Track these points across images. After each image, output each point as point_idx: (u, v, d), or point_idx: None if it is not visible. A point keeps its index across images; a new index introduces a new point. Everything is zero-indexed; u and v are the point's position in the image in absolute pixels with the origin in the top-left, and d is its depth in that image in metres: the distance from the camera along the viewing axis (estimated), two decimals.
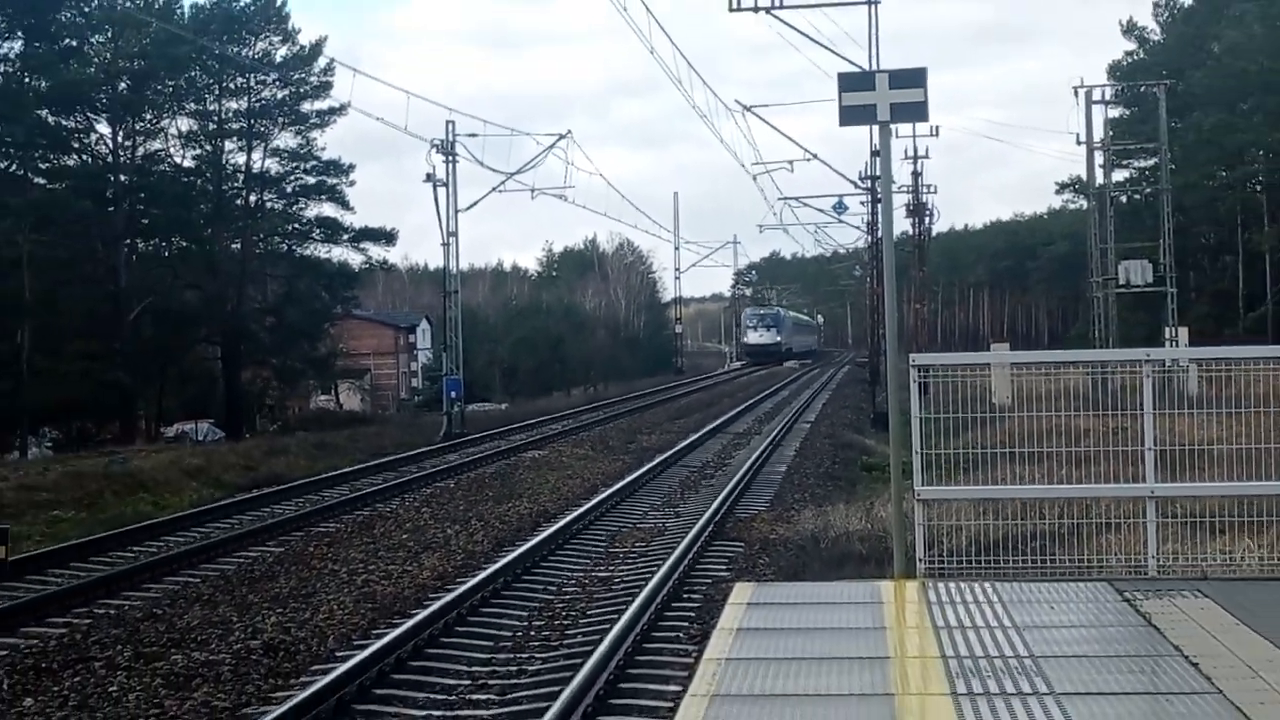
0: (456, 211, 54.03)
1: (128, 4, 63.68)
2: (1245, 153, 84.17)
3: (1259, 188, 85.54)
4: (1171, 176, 64.36)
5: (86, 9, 63.51)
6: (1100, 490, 13.88)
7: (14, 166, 61.49)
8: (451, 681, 14.08)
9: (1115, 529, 14.17)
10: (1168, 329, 53.96)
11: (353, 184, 71.26)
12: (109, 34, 64.05)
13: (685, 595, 17.83)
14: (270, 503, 29.53)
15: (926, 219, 74.57)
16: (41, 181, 62.20)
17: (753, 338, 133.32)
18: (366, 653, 14.33)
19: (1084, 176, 65.42)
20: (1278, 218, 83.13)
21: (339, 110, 68.34)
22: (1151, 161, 71.78)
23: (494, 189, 58.19)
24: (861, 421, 51.05)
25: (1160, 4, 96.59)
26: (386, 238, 74.29)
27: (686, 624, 16.03)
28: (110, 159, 65.28)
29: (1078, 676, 9.47)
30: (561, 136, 62.08)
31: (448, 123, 53.67)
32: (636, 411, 62.03)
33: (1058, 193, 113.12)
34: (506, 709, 12.90)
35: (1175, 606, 11.62)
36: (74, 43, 63.19)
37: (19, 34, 60.95)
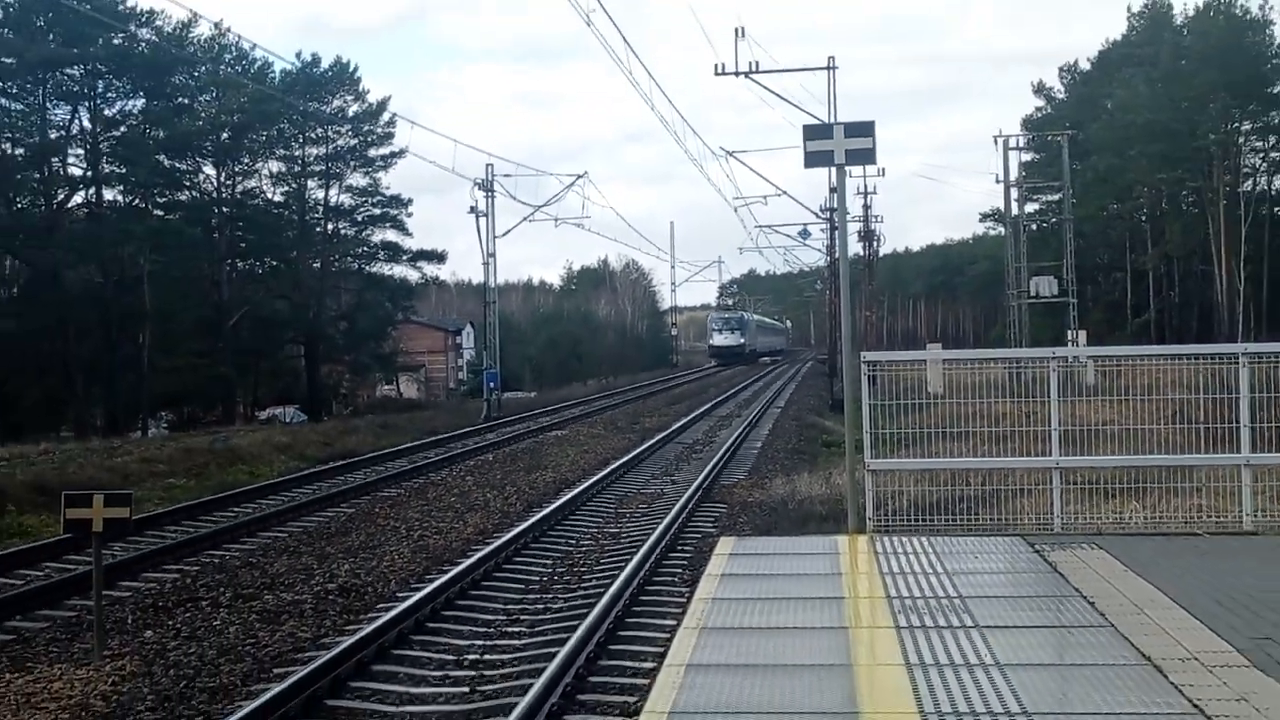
0: (494, 237, 54.04)
1: (229, 69, 63.73)
2: (1132, 190, 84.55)
3: (1143, 218, 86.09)
4: (1072, 209, 64.52)
5: (195, 74, 63.67)
6: (1015, 462, 13.86)
7: (137, 201, 61.73)
8: (490, 617, 14.08)
9: (1027, 494, 14.16)
10: (1070, 332, 54.01)
11: (410, 214, 71.61)
12: (214, 93, 64.21)
13: (679, 547, 17.82)
14: (343, 473, 29.53)
15: (875, 243, 74.63)
16: (159, 213, 62.33)
17: (718, 340, 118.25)
18: (421, 593, 14.32)
19: (1002, 209, 65.53)
20: (1159, 242, 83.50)
21: (399, 155, 68.84)
22: (1056, 196, 71.89)
23: (524, 219, 58.19)
24: (822, 407, 50.95)
25: (1064, 69, 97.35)
26: (437, 258, 74.85)
27: (681, 570, 16.01)
28: (214, 195, 65.58)
29: (997, 613, 9.46)
30: (579, 176, 62.09)
31: (487, 165, 53.72)
32: (640, 399, 61.99)
33: (981, 221, 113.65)
34: (535, 638, 12.88)
35: (1076, 557, 11.61)
36: (185, 101, 63.33)
37: (140, 94, 61.13)
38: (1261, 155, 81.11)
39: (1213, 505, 13.63)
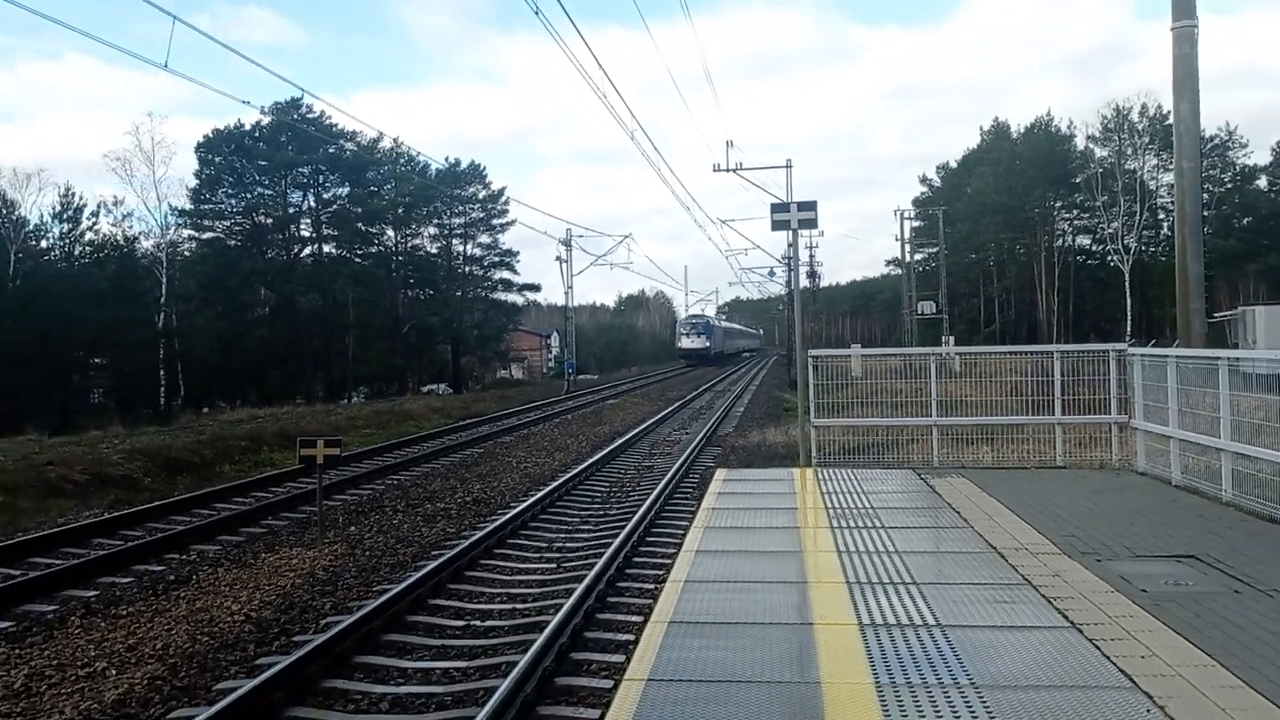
0: (571, 275, 54.09)
1: (402, 168, 64.03)
2: (984, 245, 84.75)
3: (991, 263, 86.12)
4: (945, 258, 64.25)
5: (381, 171, 63.99)
6: (907, 421, 13.82)
7: (344, 252, 62.08)
8: (568, 519, 14.09)
9: (915, 442, 14.11)
10: (944, 337, 53.65)
11: (518, 261, 72.01)
12: (393, 184, 64.45)
13: (690, 475, 17.81)
14: (475, 426, 29.63)
15: (817, 278, 73.78)
16: (358, 260, 62.60)
17: (685, 343, 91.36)
18: (525, 504, 14.35)
19: (899, 257, 65.20)
20: (1001, 279, 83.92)
21: (510, 223, 69.28)
22: (935, 249, 71.65)
23: (590, 264, 58.19)
24: (783, 385, 50.73)
25: (939, 166, 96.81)
26: (535, 289, 75.37)
27: (691, 489, 15.98)
28: (393, 249, 65.76)
29: (896, 519, 9.44)
30: (626, 237, 62.55)
31: (567, 229, 53.95)
32: (664, 380, 61.83)
33: (886, 265, 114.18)
34: (600, 531, 12.90)
35: (947, 482, 11.56)
36: (375, 188, 63.61)
37: (346, 184, 61.57)
38: (1068, 222, 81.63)
39: (1036, 450, 13.60)
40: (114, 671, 7.65)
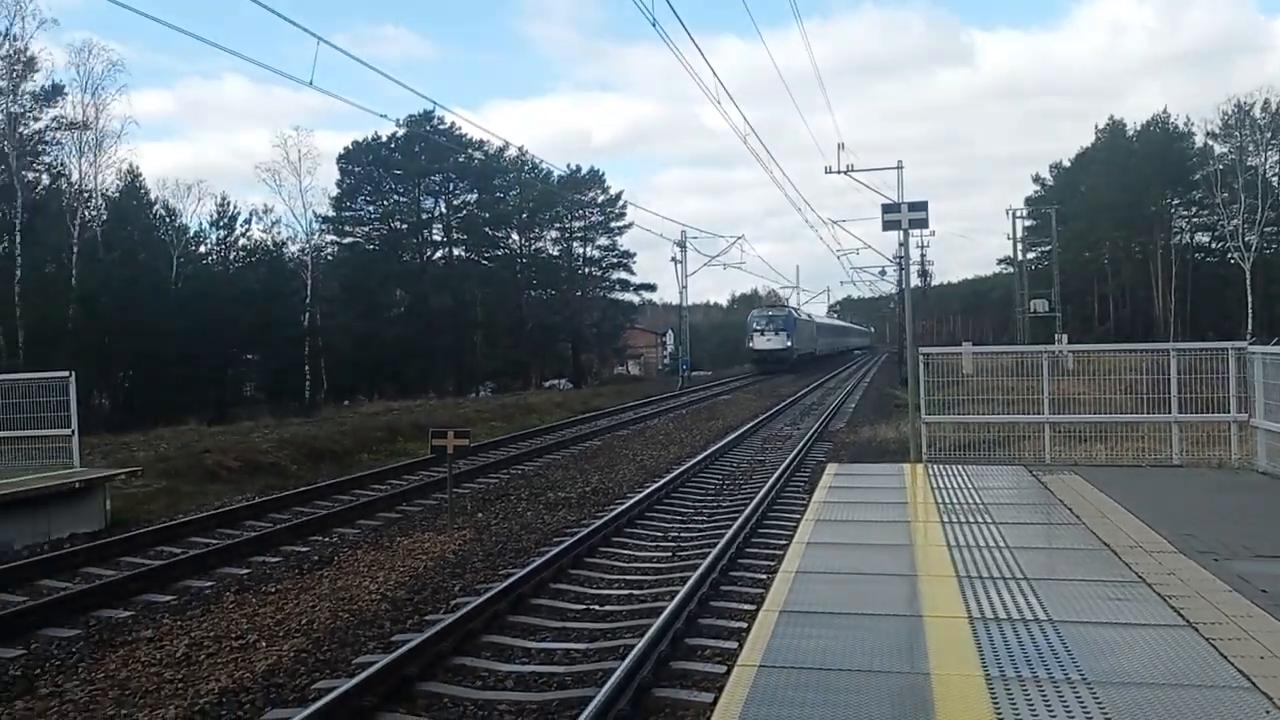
0: (686, 275, 54.08)
1: (527, 175, 64.99)
2: (1098, 244, 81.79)
3: (1106, 261, 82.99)
4: (1058, 256, 62.27)
5: (506, 178, 65.12)
6: (1019, 419, 13.43)
7: (472, 255, 63.36)
8: (682, 509, 14.11)
9: (1027, 439, 13.69)
10: (1057, 335, 51.97)
11: (635, 262, 72.36)
12: (518, 190, 65.51)
13: (802, 469, 17.66)
14: (593, 420, 29.91)
15: (928, 277, 72.36)
16: (485, 262, 63.82)
17: (759, 343, 65.39)
18: (641, 494, 14.44)
19: (1011, 256, 63.38)
20: (1116, 277, 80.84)
21: (628, 226, 69.75)
22: (1047, 248, 69.45)
23: (704, 264, 58.01)
24: (894, 382, 49.82)
25: (1052, 165, 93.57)
26: (651, 289, 75.63)
27: (803, 483, 15.86)
28: (518, 251, 66.87)
29: (1007, 515, 9.17)
30: (739, 237, 61.86)
31: (682, 231, 53.75)
32: (776, 377, 61.36)
33: (997, 264, 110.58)
34: (714, 522, 12.89)
35: (1059, 479, 11.19)
36: (501, 195, 64.80)
37: (475, 191, 62.88)
38: (1186, 220, 78.27)
39: (1152, 448, 13.04)
40: (264, 643, 7.97)
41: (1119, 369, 13.53)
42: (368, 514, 13.97)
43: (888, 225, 15.24)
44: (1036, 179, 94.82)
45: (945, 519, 8.96)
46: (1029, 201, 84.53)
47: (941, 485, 11.01)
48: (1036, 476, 11.52)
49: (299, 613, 8.84)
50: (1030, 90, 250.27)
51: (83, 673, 7.38)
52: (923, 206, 15.12)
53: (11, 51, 43.58)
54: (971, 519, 8.93)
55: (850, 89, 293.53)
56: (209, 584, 10.06)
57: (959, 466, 12.48)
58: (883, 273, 70.64)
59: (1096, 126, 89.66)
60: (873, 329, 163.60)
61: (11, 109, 44.30)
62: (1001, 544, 7.84)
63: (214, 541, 12.16)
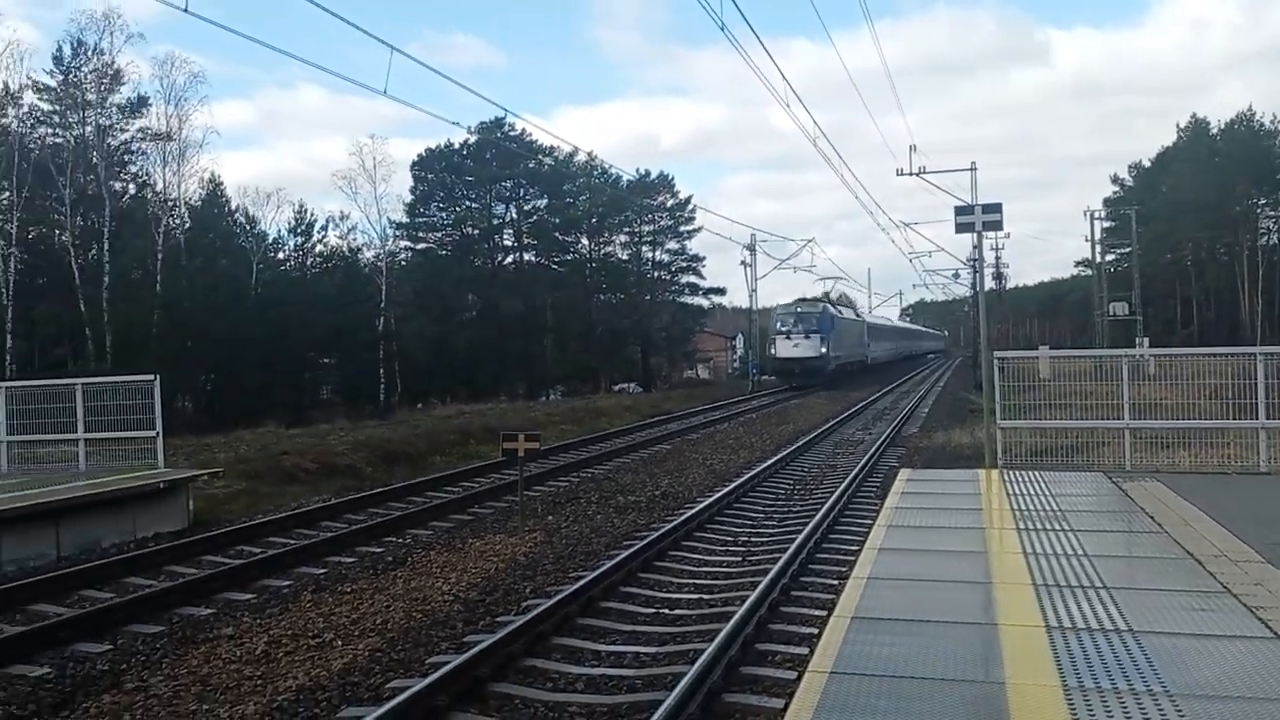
0: (755, 279, 53.93)
1: (596, 180, 65.29)
2: (1180, 245, 79.72)
3: (1189, 263, 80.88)
4: (1138, 258, 60.83)
5: (576, 184, 65.47)
6: (1098, 424, 13.13)
7: (542, 260, 63.86)
8: (752, 514, 14.05)
9: (1106, 445, 13.40)
10: (1137, 339, 50.71)
11: (704, 266, 71.94)
12: (587, 195, 65.84)
13: (874, 474, 17.46)
14: (663, 424, 29.90)
15: (1003, 280, 71.11)
16: (555, 267, 64.26)
17: (783, 348, 48.36)
18: (711, 499, 14.41)
19: (1090, 258, 61.91)
20: (1200, 279, 78.80)
21: (697, 230, 69.47)
22: (1127, 250, 67.80)
23: (774, 268, 57.94)
24: (968, 386, 49.00)
25: (1131, 165, 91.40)
26: (720, 292, 75.09)
27: (875, 488, 15.67)
28: (587, 256, 67.20)
29: (1085, 522, 8.97)
30: (809, 240, 61.56)
31: (751, 234, 53.58)
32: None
33: (1075, 266, 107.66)
34: (781, 528, 12.80)
35: (1140, 486, 10.92)
36: (570, 200, 65.19)
37: (545, 196, 63.36)
38: (1273, 220, 75.87)
39: (1238, 454, 12.67)
40: (340, 642, 8.12)
41: (1203, 374, 13.14)
42: (440, 516, 14.14)
43: (961, 228, 14.99)
44: (1115, 179, 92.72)
45: (1021, 525, 8.79)
46: (1108, 202, 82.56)
47: (1017, 491, 10.81)
48: (1116, 483, 11.24)
49: (373, 612, 8.99)
50: (1108, 88, 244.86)
51: (166, 668, 7.59)
52: (996, 208, 14.85)
53: (101, 65, 45.17)
54: (1048, 526, 8.75)
55: (921, 89, 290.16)
56: (287, 583, 10.28)
57: (1035, 472, 12.24)
58: (956, 276, 69.61)
59: (1178, 125, 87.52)
60: (946, 332, 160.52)
61: (100, 121, 45.92)
62: (1080, 552, 7.67)
63: (291, 541, 12.42)
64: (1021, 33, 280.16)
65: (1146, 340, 50.47)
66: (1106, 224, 67.08)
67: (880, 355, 66.33)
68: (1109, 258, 71.58)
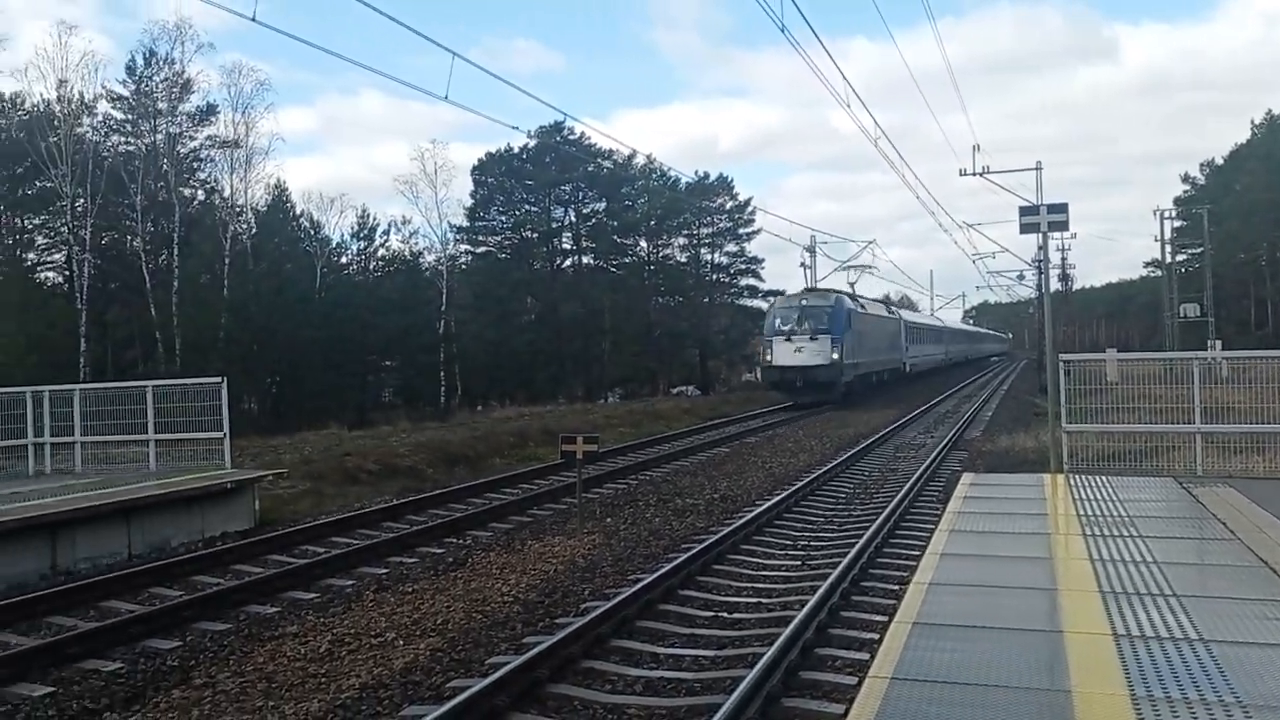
0: (816, 281, 53.39)
1: (655, 182, 65.30)
2: (1254, 244, 77.62)
3: (1263, 263, 78.71)
4: (1210, 258, 59.38)
5: (635, 186, 65.55)
6: (1168, 428, 12.82)
7: (601, 263, 64.02)
8: (812, 518, 13.94)
9: (1176, 449, 13.07)
10: (1209, 341, 49.47)
11: (763, 267, 71.50)
12: (645, 198, 65.85)
13: (935, 478, 17.23)
14: (721, 427, 29.79)
15: (1069, 281, 69.80)
16: (614, 270, 64.38)
17: (781, 355, 34.04)
18: (770, 502, 14.34)
19: (1159, 258, 60.53)
20: (1276, 279, 76.66)
21: (756, 232, 68.87)
22: (1199, 250, 66.17)
23: (834, 269, 56.70)
24: (1033, 389, 48.14)
25: (1203, 163, 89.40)
26: (780, 294, 74.35)
27: (937, 493, 15.47)
28: (646, 258, 67.16)
29: (1155, 528, 8.77)
30: (870, 242, 60.57)
31: (811, 235, 53.21)
32: (909, 384, 60.08)
33: (1144, 267, 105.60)
34: (840, 533, 12.70)
35: (1213, 492, 10.64)
36: (629, 203, 65.25)
37: (603, 199, 63.51)
38: None
39: None
40: (401, 641, 8.23)
41: (1279, 377, 12.79)
42: (499, 517, 14.26)
43: (1025, 228, 14.79)
44: (1186, 178, 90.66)
45: (1087, 531, 8.62)
46: (1178, 201, 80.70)
47: (1083, 496, 10.60)
48: (1187, 489, 10.98)
49: (434, 612, 9.09)
50: (1177, 85, 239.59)
51: (233, 665, 7.76)
52: (1062, 208, 14.64)
53: (171, 75, 46.34)
54: (1116, 532, 8.57)
55: (984, 89, 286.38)
56: (350, 583, 10.44)
57: (1102, 477, 12.00)
58: (1021, 277, 68.51)
59: (1252, 122, 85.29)
60: (1010, 335, 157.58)
61: (171, 129, 47.10)
62: (1149, 558, 7.50)
63: (354, 541, 12.61)
64: (1089, 29, 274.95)
65: (1219, 343, 49.22)
66: (1177, 223, 65.60)
67: (923, 362, 55.94)
68: (1179, 258, 69.96)
